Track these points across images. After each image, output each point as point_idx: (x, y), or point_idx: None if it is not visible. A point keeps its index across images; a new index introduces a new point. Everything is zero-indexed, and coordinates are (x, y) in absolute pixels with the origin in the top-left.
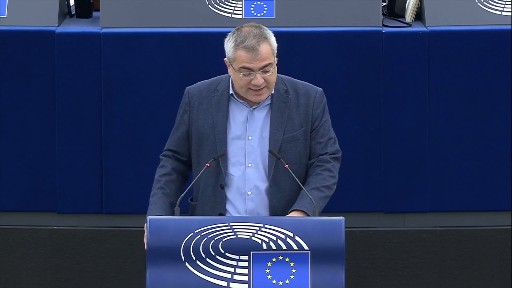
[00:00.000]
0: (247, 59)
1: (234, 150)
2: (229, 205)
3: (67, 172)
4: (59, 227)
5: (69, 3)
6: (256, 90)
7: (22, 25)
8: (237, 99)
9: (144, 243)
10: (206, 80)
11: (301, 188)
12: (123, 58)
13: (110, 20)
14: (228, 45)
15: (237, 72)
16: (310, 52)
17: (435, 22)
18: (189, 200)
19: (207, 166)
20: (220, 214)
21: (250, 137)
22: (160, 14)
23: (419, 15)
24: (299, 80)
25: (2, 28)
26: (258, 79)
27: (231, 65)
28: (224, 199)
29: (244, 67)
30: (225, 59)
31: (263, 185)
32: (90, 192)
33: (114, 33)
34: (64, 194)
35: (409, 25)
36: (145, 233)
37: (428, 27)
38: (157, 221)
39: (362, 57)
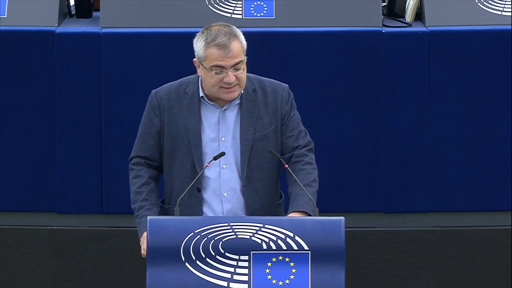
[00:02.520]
0: (219, 56)
1: (209, 152)
2: (205, 207)
3: (67, 172)
4: (59, 227)
5: (69, 3)
6: (227, 88)
7: (22, 25)
8: (208, 101)
9: (142, 254)
10: (172, 83)
11: (275, 186)
12: (123, 58)
13: (110, 20)
14: (198, 44)
15: (208, 71)
16: (310, 52)
17: (435, 22)
18: (160, 203)
19: (207, 166)
20: None
21: (223, 138)
22: (160, 14)
23: (419, 15)
24: (265, 78)
25: (2, 28)
26: (230, 76)
27: (201, 64)
28: (200, 201)
29: (216, 65)
30: (194, 59)
31: (238, 185)
32: (90, 192)
33: (114, 33)
34: (64, 194)
35: (409, 25)
36: (143, 245)
37: (428, 27)
38: (157, 221)
39: (362, 57)
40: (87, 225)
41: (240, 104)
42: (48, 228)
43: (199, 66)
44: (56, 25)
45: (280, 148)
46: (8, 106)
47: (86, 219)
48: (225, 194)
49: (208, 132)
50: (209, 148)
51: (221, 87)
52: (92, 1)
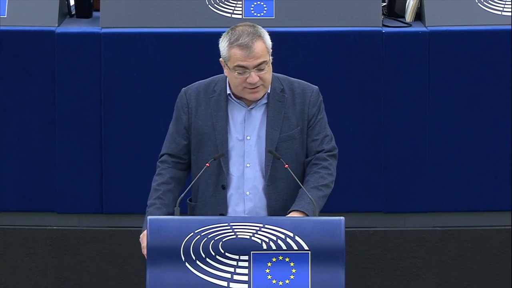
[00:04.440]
0: (241, 57)
1: (234, 150)
2: (229, 205)
3: (67, 172)
4: (59, 227)
5: (69, 3)
6: (251, 89)
7: (22, 25)
8: (235, 99)
9: (142, 251)
10: (202, 81)
11: (299, 187)
12: (123, 58)
13: (110, 20)
14: (223, 44)
15: (232, 71)
16: (310, 52)
17: (435, 22)
18: (188, 201)
19: (207, 166)
20: (221, 215)
21: (248, 137)
22: (160, 14)
23: (419, 15)
24: (294, 79)
25: (2, 28)
26: (253, 77)
27: (226, 64)
28: (225, 199)
29: (239, 66)
30: (220, 59)
31: (261, 184)
32: (90, 192)
33: (114, 33)
34: (64, 194)
35: (409, 25)
36: (142, 243)
37: (428, 27)
38: (157, 221)
39: (362, 57)
40: (87, 225)
41: (267, 103)
42: (48, 228)
43: (224, 66)
44: (56, 25)
45: (305, 150)
46: (8, 106)
47: (86, 219)
48: (248, 193)
49: (234, 130)
50: (234, 146)
51: (245, 87)
52: (92, 1)
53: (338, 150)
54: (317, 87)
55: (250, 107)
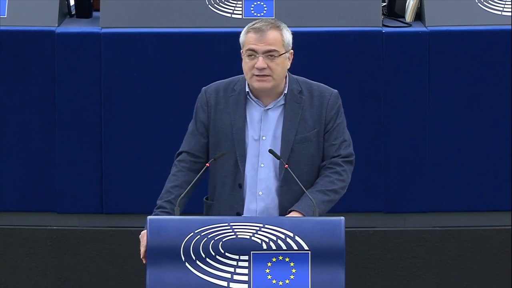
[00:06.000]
0: (253, 40)
1: (250, 150)
2: (245, 204)
3: (67, 172)
4: (59, 227)
5: (69, 3)
6: (259, 76)
7: (22, 25)
8: (253, 98)
9: (140, 249)
10: (222, 80)
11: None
12: (123, 58)
13: (110, 20)
14: (242, 33)
15: (244, 56)
16: (310, 52)
17: (435, 22)
18: (204, 199)
19: (207, 166)
20: (238, 213)
21: (264, 137)
22: (160, 14)
23: (419, 15)
24: (314, 82)
25: (2, 28)
26: (260, 61)
27: (242, 52)
28: (242, 198)
29: (249, 49)
30: (241, 50)
31: (274, 185)
32: (90, 192)
33: (114, 33)
34: (64, 194)
35: (409, 25)
36: (142, 241)
37: (428, 27)
38: (157, 221)
39: (362, 57)
40: (87, 225)
41: (284, 105)
42: (48, 228)
43: (242, 55)
44: (56, 25)
45: (322, 153)
46: (8, 106)
47: (86, 219)
48: (260, 193)
49: (251, 129)
50: (251, 146)
51: (254, 74)
52: (92, 1)
53: (355, 156)
54: (336, 90)
55: (267, 107)
